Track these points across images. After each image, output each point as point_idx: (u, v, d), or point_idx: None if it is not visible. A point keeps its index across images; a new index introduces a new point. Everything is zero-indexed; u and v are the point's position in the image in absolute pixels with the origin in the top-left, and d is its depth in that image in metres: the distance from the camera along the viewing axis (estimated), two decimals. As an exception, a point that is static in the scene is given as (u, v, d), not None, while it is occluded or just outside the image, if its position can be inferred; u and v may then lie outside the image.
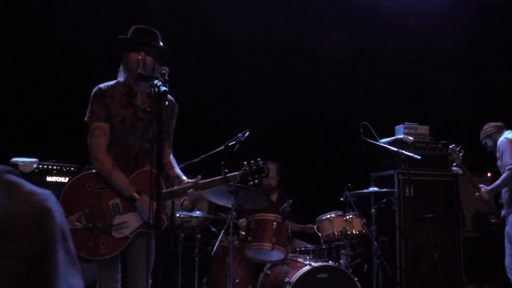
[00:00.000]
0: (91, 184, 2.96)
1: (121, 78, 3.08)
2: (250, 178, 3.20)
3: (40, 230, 1.06)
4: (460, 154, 5.15)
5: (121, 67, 3.10)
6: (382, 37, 6.86)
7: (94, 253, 2.89)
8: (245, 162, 3.20)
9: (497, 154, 5.06)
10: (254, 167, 3.19)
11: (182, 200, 5.15)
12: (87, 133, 3.00)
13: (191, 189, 3.01)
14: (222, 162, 3.15)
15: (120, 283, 3.08)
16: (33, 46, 5.43)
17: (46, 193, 1.12)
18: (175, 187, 3.07)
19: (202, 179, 3.05)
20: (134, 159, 3.05)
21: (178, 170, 3.21)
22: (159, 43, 3.06)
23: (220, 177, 3.12)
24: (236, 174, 3.16)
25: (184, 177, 3.15)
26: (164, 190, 3.00)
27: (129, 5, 5.85)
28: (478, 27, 7.00)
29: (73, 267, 1.14)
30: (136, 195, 2.93)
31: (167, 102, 2.52)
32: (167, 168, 3.20)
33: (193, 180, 3.06)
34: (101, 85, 3.06)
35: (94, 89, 3.05)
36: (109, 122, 2.99)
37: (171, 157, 3.27)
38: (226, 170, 3.12)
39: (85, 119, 3.02)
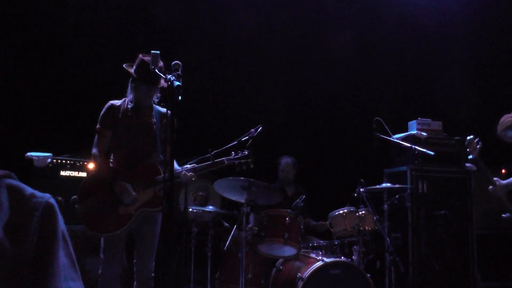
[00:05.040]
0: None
1: (129, 97, 3.50)
2: (237, 163, 3.59)
3: (43, 231, 1.07)
4: (478, 147, 4.91)
5: (129, 89, 3.49)
6: (394, 32, 6.79)
7: (104, 229, 3.31)
8: (232, 152, 3.66)
9: None
10: (239, 155, 3.62)
11: (195, 195, 5.18)
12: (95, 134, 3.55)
13: (184, 172, 3.37)
14: (209, 149, 3.55)
15: (121, 269, 3.40)
16: (45, 43, 5.46)
17: (47, 196, 1.13)
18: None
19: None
20: (138, 159, 3.46)
21: (176, 167, 3.45)
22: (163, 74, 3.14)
23: (209, 162, 3.53)
24: (223, 159, 3.58)
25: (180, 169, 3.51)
26: (159, 177, 3.38)
27: (140, 5, 5.88)
28: (492, 20, 6.90)
29: (73, 270, 1.15)
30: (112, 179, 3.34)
31: (180, 97, 2.64)
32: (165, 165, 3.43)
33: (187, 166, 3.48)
34: (112, 101, 3.56)
35: (107, 104, 3.53)
36: (114, 130, 3.46)
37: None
38: (213, 153, 3.53)
39: (97, 126, 3.51)
